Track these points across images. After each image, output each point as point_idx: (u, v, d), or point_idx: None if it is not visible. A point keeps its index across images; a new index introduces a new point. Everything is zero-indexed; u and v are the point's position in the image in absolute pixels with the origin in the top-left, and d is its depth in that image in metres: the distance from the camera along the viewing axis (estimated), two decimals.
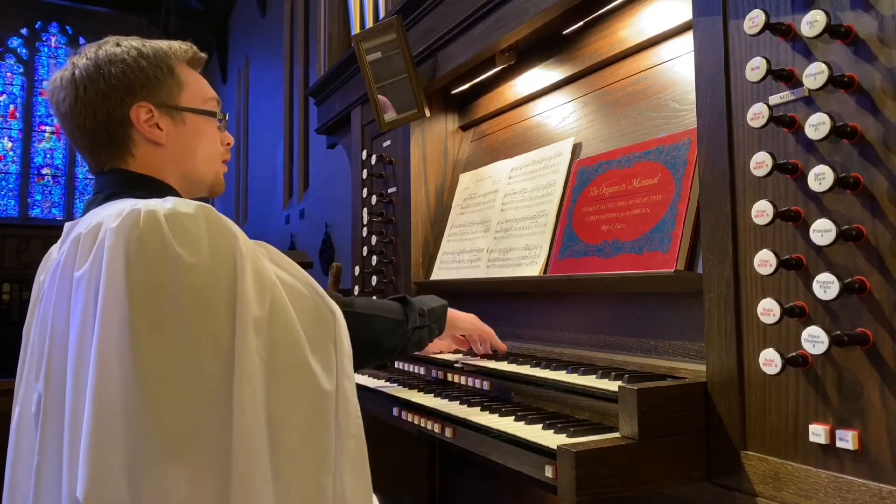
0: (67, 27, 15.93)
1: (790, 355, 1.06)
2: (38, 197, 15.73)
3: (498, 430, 1.33)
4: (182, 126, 1.32)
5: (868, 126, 1.00)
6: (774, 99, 1.13)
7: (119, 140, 1.28)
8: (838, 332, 1.00)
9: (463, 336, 1.85)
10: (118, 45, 1.30)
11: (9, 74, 15.56)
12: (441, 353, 1.93)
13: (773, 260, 1.08)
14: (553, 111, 2.02)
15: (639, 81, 1.72)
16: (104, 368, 1.00)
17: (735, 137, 1.19)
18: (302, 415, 1.10)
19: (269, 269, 1.14)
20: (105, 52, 1.28)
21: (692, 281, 1.35)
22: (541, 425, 1.31)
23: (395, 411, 1.71)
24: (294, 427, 1.09)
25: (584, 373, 1.44)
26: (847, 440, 1.00)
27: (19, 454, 1.19)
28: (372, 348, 1.51)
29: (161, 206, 1.07)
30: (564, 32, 1.92)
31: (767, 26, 1.11)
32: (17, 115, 15.59)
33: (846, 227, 1.00)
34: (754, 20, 1.12)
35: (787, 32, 1.11)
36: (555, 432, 1.26)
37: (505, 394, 1.61)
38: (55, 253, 1.25)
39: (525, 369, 1.57)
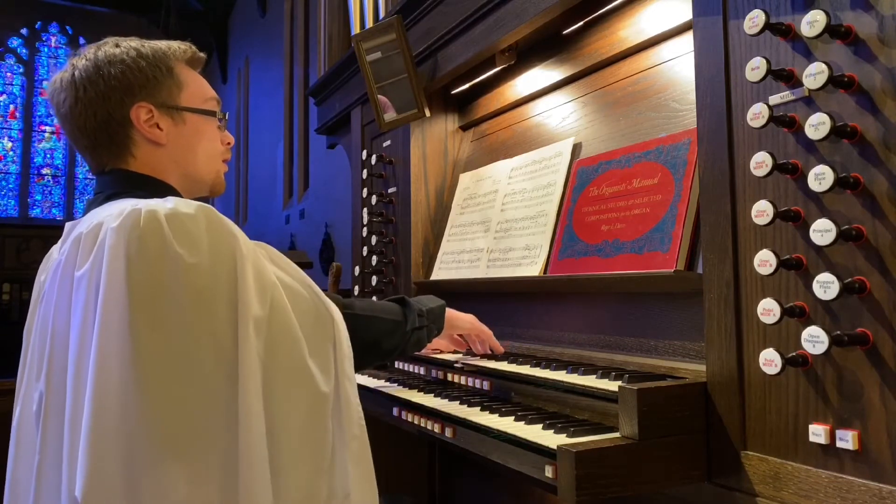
0: (67, 27, 15.93)
1: (790, 355, 1.06)
2: (38, 197, 15.73)
3: (498, 430, 1.33)
4: (182, 126, 1.32)
5: (868, 126, 1.00)
6: (774, 99, 1.13)
7: (119, 140, 1.28)
8: (838, 332, 1.00)
9: (460, 336, 1.85)
10: (117, 45, 1.30)
11: (9, 74, 15.56)
12: (439, 352, 1.93)
13: (773, 260, 1.08)
14: (553, 111, 2.02)
15: (639, 81, 1.72)
16: (104, 368, 1.00)
17: (735, 137, 1.19)
18: (300, 416, 1.10)
19: (270, 269, 1.14)
20: (104, 53, 1.28)
21: (692, 281, 1.35)
22: (541, 425, 1.31)
23: (395, 411, 1.71)
24: (292, 428, 1.09)
25: (584, 373, 1.44)
26: (847, 440, 1.00)
27: (20, 453, 1.19)
28: (371, 350, 1.51)
29: (162, 206, 1.07)
30: (564, 32, 1.92)
31: (767, 26, 1.11)
32: (17, 115, 15.59)
33: (846, 227, 1.00)
34: (754, 20, 1.12)
35: (787, 32, 1.11)
36: (555, 432, 1.26)
37: (505, 394, 1.61)
38: (56, 253, 1.25)
39: (525, 369, 1.57)
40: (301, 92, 10.60)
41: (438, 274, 2.25)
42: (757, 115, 1.12)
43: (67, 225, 1.23)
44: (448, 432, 1.48)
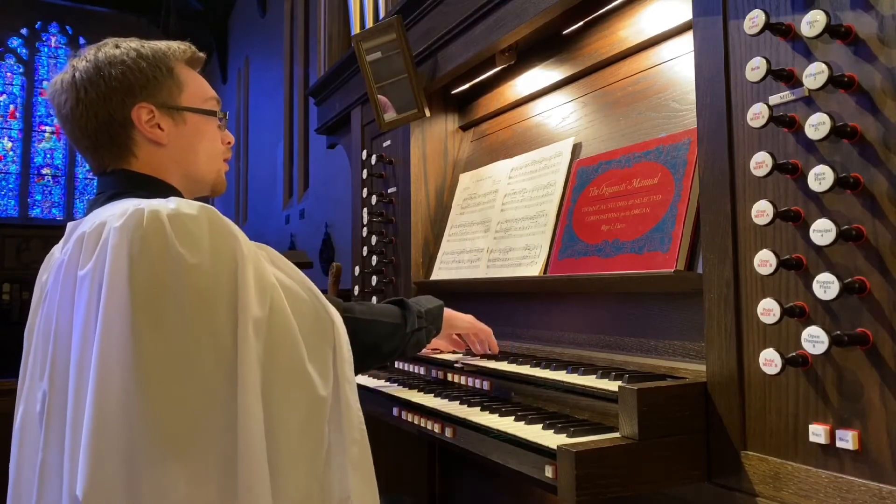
0: (67, 27, 15.93)
1: (790, 355, 1.06)
2: (38, 197, 15.73)
3: (498, 430, 1.33)
4: (183, 126, 1.32)
5: (868, 126, 1.00)
6: (774, 99, 1.13)
7: (121, 141, 1.28)
8: (838, 332, 1.00)
9: (458, 336, 1.85)
10: (117, 46, 1.30)
11: (9, 74, 15.56)
12: (439, 352, 1.93)
13: (773, 260, 1.08)
14: (553, 111, 2.02)
15: (639, 81, 1.72)
16: (105, 367, 1.00)
17: (735, 137, 1.19)
18: (298, 418, 1.11)
19: (270, 271, 1.14)
20: (104, 54, 1.28)
21: (692, 281, 1.35)
22: (541, 425, 1.31)
23: (395, 411, 1.72)
24: (291, 429, 1.10)
25: (584, 373, 1.44)
26: (847, 440, 1.00)
27: (23, 452, 1.19)
28: (371, 353, 1.51)
29: (164, 206, 1.08)
30: (564, 32, 1.92)
31: (767, 26, 1.11)
32: (17, 115, 15.59)
33: (846, 227, 1.00)
34: (754, 20, 1.12)
35: (787, 32, 1.11)
36: (555, 432, 1.26)
37: (505, 394, 1.61)
38: (58, 252, 1.25)
39: (525, 369, 1.57)
40: (301, 92, 10.61)
41: (438, 274, 2.25)
42: (757, 115, 1.12)
43: (70, 225, 1.23)
44: (448, 432, 1.49)
